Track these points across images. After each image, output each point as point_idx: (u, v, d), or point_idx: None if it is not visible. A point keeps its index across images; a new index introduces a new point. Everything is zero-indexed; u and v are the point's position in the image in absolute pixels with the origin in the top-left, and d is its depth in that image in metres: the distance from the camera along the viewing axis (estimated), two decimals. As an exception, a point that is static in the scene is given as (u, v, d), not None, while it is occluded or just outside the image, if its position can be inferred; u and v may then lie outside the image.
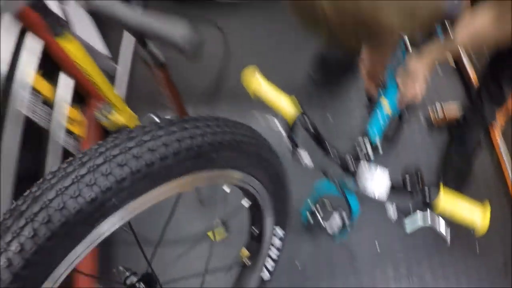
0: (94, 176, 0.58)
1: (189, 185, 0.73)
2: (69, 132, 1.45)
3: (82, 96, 1.58)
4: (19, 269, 0.54)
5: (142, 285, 0.85)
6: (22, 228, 0.55)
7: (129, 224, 0.73)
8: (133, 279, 0.84)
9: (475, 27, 0.86)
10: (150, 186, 0.65)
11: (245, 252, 1.10)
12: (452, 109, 1.74)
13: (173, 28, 0.93)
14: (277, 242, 1.09)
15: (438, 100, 1.81)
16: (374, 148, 1.09)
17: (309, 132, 1.03)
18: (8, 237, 0.55)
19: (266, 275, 1.15)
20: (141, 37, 1.05)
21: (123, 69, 1.95)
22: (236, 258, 1.10)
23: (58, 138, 1.38)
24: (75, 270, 0.64)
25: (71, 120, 1.48)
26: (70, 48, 1.19)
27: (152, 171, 0.63)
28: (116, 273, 0.85)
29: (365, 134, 1.12)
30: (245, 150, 0.80)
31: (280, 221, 1.05)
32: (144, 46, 1.07)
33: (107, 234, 0.64)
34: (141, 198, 0.65)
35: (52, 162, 1.31)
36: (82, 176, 0.58)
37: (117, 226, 0.64)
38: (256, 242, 1.08)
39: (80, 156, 0.61)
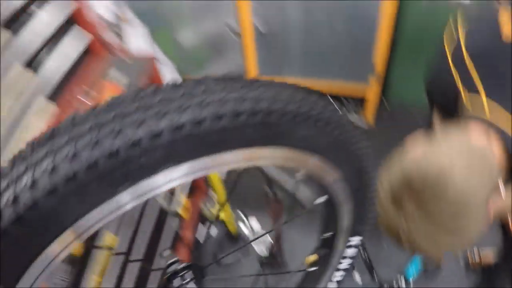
0: (121, 124, 0.44)
1: (250, 162, 0.56)
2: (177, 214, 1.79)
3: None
4: (8, 224, 0.42)
5: (188, 274, 0.71)
6: (20, 175, 0.44)
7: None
8: (178, 266, 0.71)
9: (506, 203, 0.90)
10: (196, 153, 0.49)
11: (311, 259, 0.93)
12: (488, 255, 1.82)
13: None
14: (350, 251, 0.91)
15: (477, 245, 1.88)
16: (407, 285, 1.34)
17: (365, 262, 1.24)
18: (3, 185, 0.44)
19: (332, 285, 0.98)
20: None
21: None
22: (301, 264, 0.96)
23: (172, 220, 1.74)
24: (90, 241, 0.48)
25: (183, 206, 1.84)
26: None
27: (200, 131, 0.47)
28: (160, 256, 0.76)
29: (403, 272, 1.34)
30: (327, 132, 0.62)
31: (356, 229, 0.87)
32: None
33: (130, 206, 0.49)
34: (180, 166, 0.49)
35: (165, 237, 1.63)
36: (106, 123, 0.45)
37: (145, 198, 0.49)
38: (326, 249, 0.91)
39: (110, 100, 0.48)
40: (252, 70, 2.84)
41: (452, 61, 1.02)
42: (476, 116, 0.86)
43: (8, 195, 0.43)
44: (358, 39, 2.52)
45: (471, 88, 0.91)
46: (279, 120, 0.55)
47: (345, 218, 0.82)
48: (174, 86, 0.50)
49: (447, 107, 1.01)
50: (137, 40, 2.23)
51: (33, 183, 0.42)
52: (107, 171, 0.44)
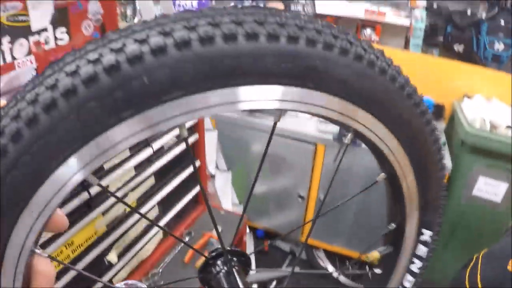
0: (123, 42, 0.41)
1: (273, 103, 0.48)
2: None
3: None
4: (7, 141, 0.39)
5: (234, 262, 0.65)
6: (28, 91, 0.42)
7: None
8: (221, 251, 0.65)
9: None
10: (206, 82, 0.43)
11: (375, 256, 0.80)
12: None
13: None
14: (421, 249, 0.76)
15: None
16: None
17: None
18: (17, 104, 0.41)
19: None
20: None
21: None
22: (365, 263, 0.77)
23: None
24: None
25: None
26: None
27: (209, 51, 0.42)
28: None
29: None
30: (372, 77, 0.51)
31: (425, 220, 0.72)
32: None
33: (135, 140, 0.44)
34: (188, 98, 0.43)
35: None
36: (110, 41, 0.42)
37: (153, 132, 0.44)
38: (393, 245, 0.78)
39: (122, 28, 0.45)
40: (307, 230, 3.31)
41: (467, 277, 1.21)
42: None
43: (13, 111, 0.41)
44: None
45: None
46: (306, 51, 0.46)
47: (411, 203, 0.69)
48: (186, 11, 0.45)
49: None
50: (228, 193, 2.71)
51: (35, 98, 0.40)
52: (107, 89, 0.40)
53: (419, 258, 0.77)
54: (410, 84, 0.57)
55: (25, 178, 0.40)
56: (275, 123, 0.54)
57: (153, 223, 1.81)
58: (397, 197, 0.68)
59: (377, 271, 0.80)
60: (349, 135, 0.58)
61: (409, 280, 0.79)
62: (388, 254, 0.78)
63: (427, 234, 0.74)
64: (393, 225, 0.74)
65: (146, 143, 1.65)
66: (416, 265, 0.77)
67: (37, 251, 0.46)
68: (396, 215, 0.72)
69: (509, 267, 1.27)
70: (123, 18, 2.53)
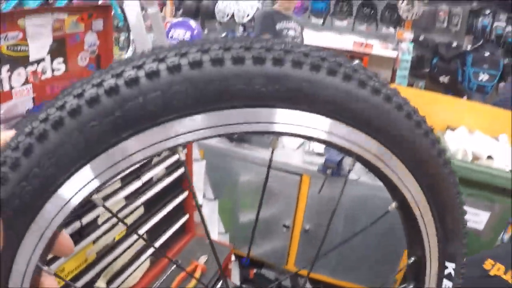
0: (123, 68, 0.45)
1: (266, 126, 0.49)
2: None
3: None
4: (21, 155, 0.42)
5: None
6: (43, 111, 0.45)
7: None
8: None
9: None
10: (198, 103, 0.46)
11: None
12: None
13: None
14: (447, 284, 0.72)
15: None
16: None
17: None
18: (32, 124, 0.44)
19: None
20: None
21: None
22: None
23: None
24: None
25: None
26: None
27: (197, 74, 0.45)
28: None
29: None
30: (361, 96, 0.50)
31: (447, 251, 0.69)
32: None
33: (138, 158, 0.46)
34: (184, 119, 0.46)
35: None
36: (111, 69, 0.45)
37: (154, 152, 0.46)
38: (414, 281, 0.73)
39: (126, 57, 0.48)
40: (292, 258, 3.37)
41: None
42: None
43: (28, 129, 0.44)
44: (389, 252, 3.01)
45: None
46: (292, 72, 0.47)
47: (428, 232, 0.65)
48: (185, 41, 0.48)
49: None
50: (214, 222, 2.75)
51: (47, 116, 0.43)
52: (108, 110, 0.43)
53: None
54: (409, 104, 0.56)
55: (35, 192, 0.43)
56: (272, 150, 0.56)
57: (151, 245, 1.83)
58: (412, 227, 0.65)
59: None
60: (352, 161, 0.57)
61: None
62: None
63: (451, 267, 0.70)
64: (412, 259, 0.70)
65: (136, 175, 1.69)
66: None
67: (44, 268, 0.48)
68: (414, 248, 0.69)
69: (484, 266, 1.35)
70: (116, 43, 2.61)
